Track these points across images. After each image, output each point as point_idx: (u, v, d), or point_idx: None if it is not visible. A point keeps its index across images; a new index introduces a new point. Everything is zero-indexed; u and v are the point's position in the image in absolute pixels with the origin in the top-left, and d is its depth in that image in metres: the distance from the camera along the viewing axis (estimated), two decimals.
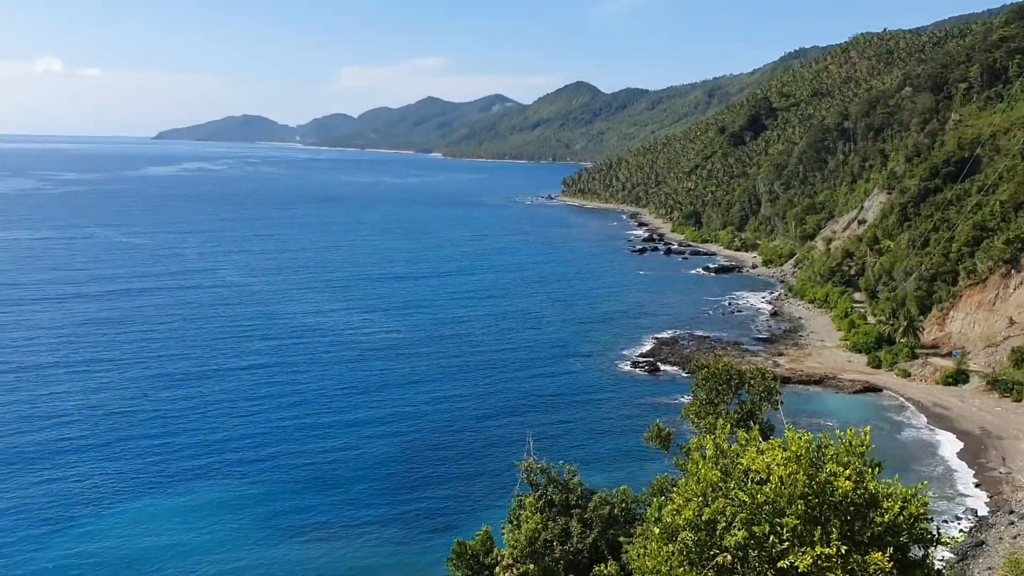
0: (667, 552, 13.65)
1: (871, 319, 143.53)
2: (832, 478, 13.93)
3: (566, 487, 27.65)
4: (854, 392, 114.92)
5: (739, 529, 13.12)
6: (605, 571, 23.89)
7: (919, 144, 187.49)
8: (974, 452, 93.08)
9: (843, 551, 13.01)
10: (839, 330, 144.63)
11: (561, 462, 28.73)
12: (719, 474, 14.01)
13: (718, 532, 13.42)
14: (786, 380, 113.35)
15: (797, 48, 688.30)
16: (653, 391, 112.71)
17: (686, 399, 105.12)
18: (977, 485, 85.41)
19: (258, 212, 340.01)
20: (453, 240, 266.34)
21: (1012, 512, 77.91)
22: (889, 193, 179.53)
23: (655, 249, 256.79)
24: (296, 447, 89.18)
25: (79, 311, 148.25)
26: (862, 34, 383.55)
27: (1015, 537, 72.48)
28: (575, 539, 25.96)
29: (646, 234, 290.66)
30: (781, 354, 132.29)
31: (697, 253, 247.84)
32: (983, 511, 79.24)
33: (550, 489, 27.53)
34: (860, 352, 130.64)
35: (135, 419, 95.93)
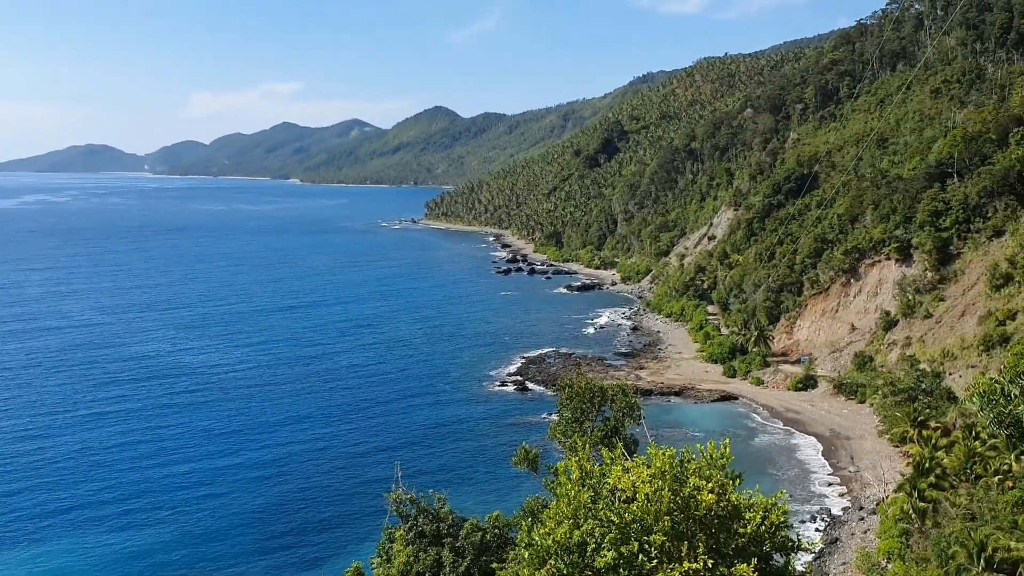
0: None
1: (724, 330, 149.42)
2: (696, 492, 14.19)
3: (437, 516, 27.26)
4: (712, 401, 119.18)
5: (608, 550, 13.17)
6: None
7: (761, 162, 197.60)
8: (825, 453, 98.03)
9: (709, 565, 13.25)
10: (695, 342, 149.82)
11: (431, 491, 28.35)
12: (589, 493, 14.04)
13: (588, 553, 13.43)
14: (648, 392, 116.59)
15: (645, 73, 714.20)
16: (522, 410, 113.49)
17: (554, 417, 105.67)
18: (830, 484, 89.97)
19: (106, 245, 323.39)
20: (316, 269, 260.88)
21: (862, 508, 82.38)
22: (736, 210, 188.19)
23: (519, 270, 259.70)
24: (158, 497, 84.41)
25: None
26: (705, 59, 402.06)
27: (865, 532, 76.60)
28: (447, 569, 25.60)
29: (510, 255, 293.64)
30: (642, 367, 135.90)
31: (560, 272, 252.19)
32: (836, 510, 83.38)
33: (420, 520, 27.07)
34: (716, 362, 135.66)
35: None
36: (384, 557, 26.11)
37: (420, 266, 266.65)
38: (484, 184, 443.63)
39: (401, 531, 26.45)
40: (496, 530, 26.85)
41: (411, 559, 25.14)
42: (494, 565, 23.13)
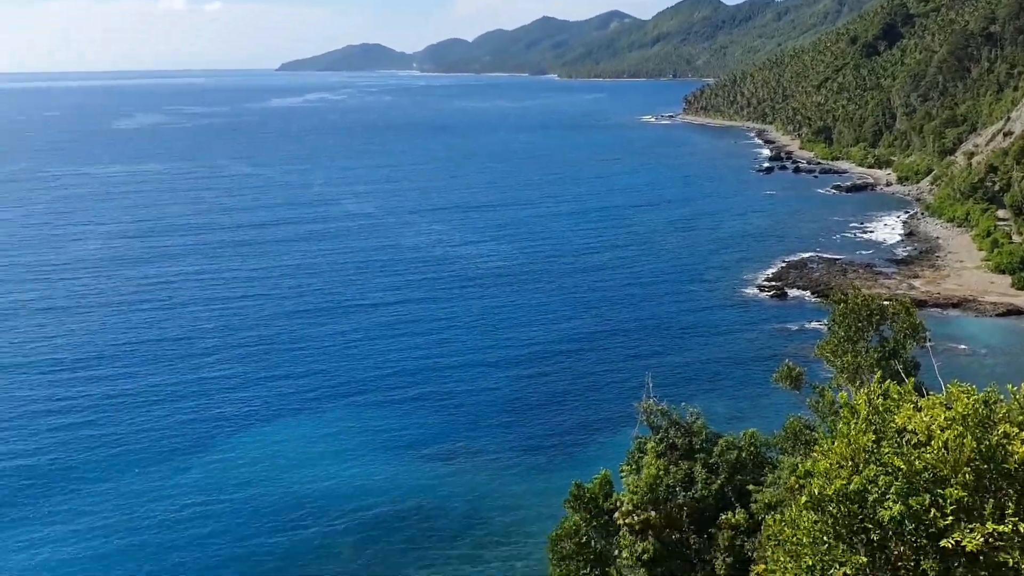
0: (811, 522, 12.13)
1: (1016, 238, 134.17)
2: (1005, 440, 12.02)
3: (689, 430, 26.14)
4: (996, 315, 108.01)
5: (895, 502, 11.45)
6: (733, 519, 22.56)
7: None
8: None
9: (1021, 529, 11.21)
10: (980, 250, 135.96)
11: (683, 404, 27.20)
12: (872, 436, 12.28)
13: (869, 503, 11.78)
14: (922, 303, 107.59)
15: None
16: (780, 317, 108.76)
17: (815, 324, 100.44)
18: None
19: (378, 141, 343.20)
20: (573, 164, 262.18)
21: None
22: None
23: (783, 168, 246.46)
24: (421, 387, 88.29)
25: (210, 242, 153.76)
26: None
27: None
28: (700, 485, 24.58)
29: (772, 152, 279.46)
30: (916, 276, 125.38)
31: (827, 171, 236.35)
32: None
33: (672, 432, 26.08)
34: (1004, 273, 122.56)
35: (265, 354, 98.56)
36: (633, 467, 25.55)
37: (677, 163, 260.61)
38: (748, 76, 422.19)
39: (652, 443, 25.68)
40: (752, 448, 25.39)
41: (661, 472, 24.35)
42: (750, 487, 21.96)
